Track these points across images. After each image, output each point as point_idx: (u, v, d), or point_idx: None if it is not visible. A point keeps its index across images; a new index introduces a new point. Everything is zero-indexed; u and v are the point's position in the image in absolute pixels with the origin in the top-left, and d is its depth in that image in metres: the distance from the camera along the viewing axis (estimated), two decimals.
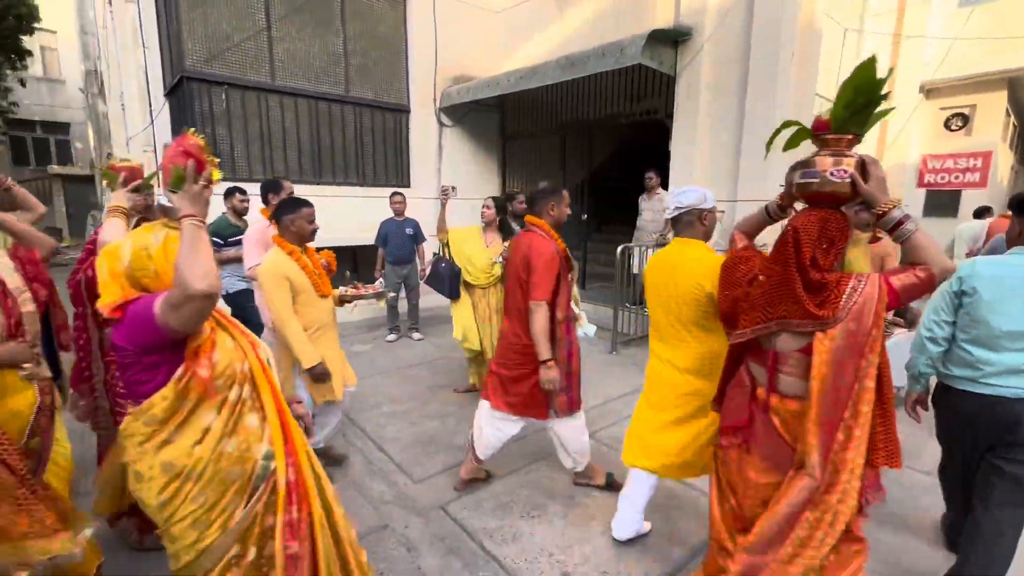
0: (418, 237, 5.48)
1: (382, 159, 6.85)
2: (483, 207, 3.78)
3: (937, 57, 8.52)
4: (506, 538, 2.35)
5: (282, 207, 2.56)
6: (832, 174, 1.37)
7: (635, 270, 5.61)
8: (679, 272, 1.99)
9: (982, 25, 8.26)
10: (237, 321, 1.51)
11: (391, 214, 5.43)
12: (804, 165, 1.44)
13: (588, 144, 7.66)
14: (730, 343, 1.65)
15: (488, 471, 2.82)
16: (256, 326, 2.93)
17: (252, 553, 1.36)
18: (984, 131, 9.07)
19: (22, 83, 13.63)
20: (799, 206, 1.60)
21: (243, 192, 4.11)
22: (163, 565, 2.05)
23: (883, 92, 1.32)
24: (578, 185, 7.63)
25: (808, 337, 1.41)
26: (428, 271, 3.96)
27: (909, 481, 2.75)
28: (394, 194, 5.43)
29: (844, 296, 1.35)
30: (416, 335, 5.72)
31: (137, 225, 2.10)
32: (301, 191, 3.43)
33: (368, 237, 5.50)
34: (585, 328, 3.09)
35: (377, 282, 3.32)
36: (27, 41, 12.81)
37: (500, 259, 3.64)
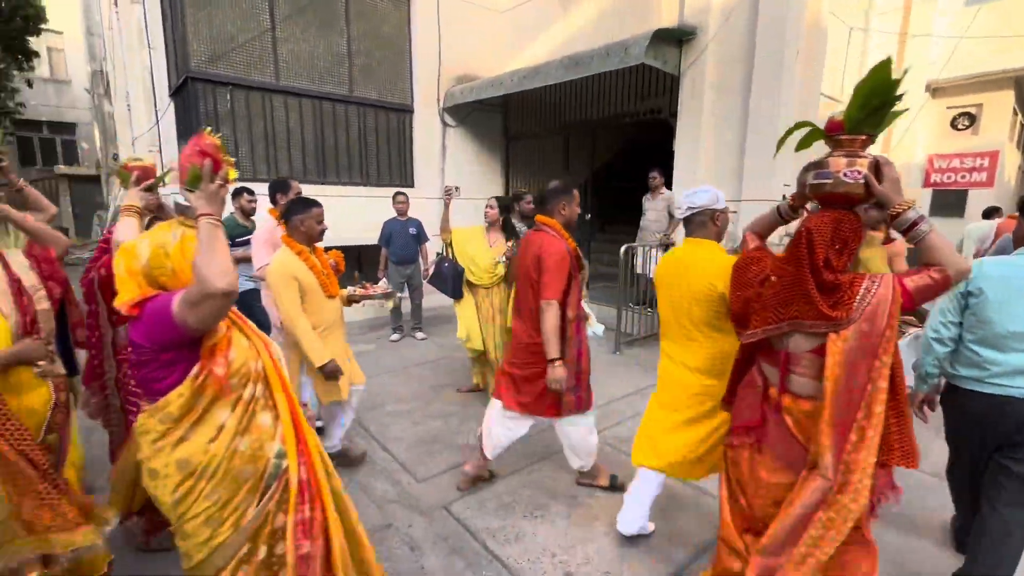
0: (421, 237, 5.49)
1: (386, 159, 6.86)
2: (486, 207, 3.78)
3: (943, 56, 8.47)
4: (509, 538, 2.35)
5: (292, 207, 2.57)
6: (846, 175, 1.36)
7: (638, 270, 5.59)
8: (692, 272, 1.99)
9: (989, 24, 8.20)
10: (250, 321, 1.52)
11: (394, 214, 5.44)
12: (817, 166, 1.44)
13: (592, 144, 7.66)
14: (741, 343, 1.65)
15: (491, 471, 2.82)
16: (264, 326, 2.94)
17: (263, 552, 1.36)
18: (991, 130, 9.00)
19: (29, 84, 13.75)
20: (811, 206, 1.60)
21: (251, 192, 4.12)
22: (170, 565, 2.07)
23: (898, 93, 1.32)
24: (581, 185, 7.63)
25: (821, 338, 1.40)
26: (431, 271, 3.96)
27: (916, 482, 2.73)
28: (397, 194, 5.44)
29: (858, 297, 1.34)
30: (420, 335, 5.72)
31: (150, 224, 2.12)
32: (305, 191, 3.44)
33: (372, 237, 5.51)
34: (594, 327, 3.09)
35: (381, 282, 3.33)
36: (34, 42, 12.92)
37: (503, 259, 3.64)
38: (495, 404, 2.61)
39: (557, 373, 2.29)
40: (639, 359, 4.97)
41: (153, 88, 5.68)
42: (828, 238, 1.39)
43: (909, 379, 2.02)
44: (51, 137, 17.78)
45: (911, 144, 9.52)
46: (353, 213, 6.14)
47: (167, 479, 1.28)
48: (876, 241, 2.60)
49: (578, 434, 2.56)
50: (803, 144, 1.54)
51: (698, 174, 5.35)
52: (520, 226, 3.91)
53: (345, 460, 2.91)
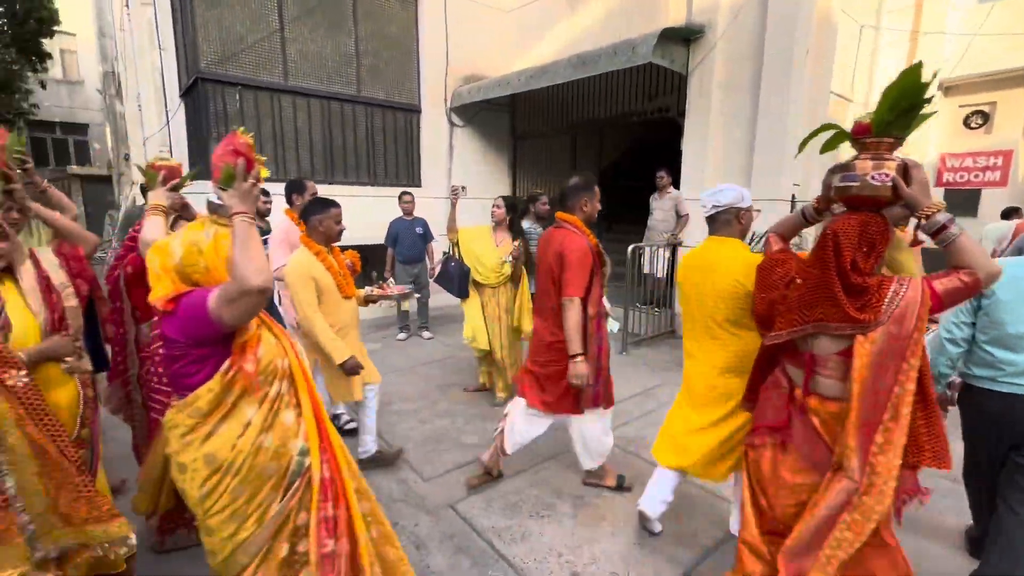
0: (427, 236, 5.50)
1: (393, 159, 6.89)
2: (493, 206, 3.78)
3: (956, 53, 8.35)
4: (515, 537, 2.35)
5: (310, 207, 2.59)
6: (873, 178, 1.36)
7: (645, 269, 5.58)
8: (717, 270, 1.99)
9: (1003, 21, 8.07)
10: (275, 320, 1.54)
11: (400, 214, 5.45)
12: (843, 168, 1.43)
13: (599, 143, 7.64)
14: (765, 344, 1.65)
15: (500, 471, 2.82)
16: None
17: (284, 550, 1.37)
18: (1005, 129, 8.86)
19: (43, 85, 13.94)
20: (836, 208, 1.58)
21: (266, 194, 4.14)
22: (184, 565, 2.10)
23: (927, 96, 1.31)
24: None
25: (847, 340, 1.40)
26: (438, 270, 3.97)
27: (930, 484, 2.69)
28: (403, 194, 5.45)
29: (886, 300, 1.34)
30: (426, 334, 5.74)
31: (175, 223, 2.16)
32: None
33: (379, 237, 5.53)
34: (610, 325, 3.09)
35: (388, 282, 3.34)
36: (47, 44, 13.10)
37: (510, 258, 3.64)
38: (518, 402, 2.61)
39: (579, 369, 2.28)
40: (646, 359, 4.95)
41: (164, 89, 5.74)
42: (855, 241, 1.38)
43: None
44: (64, 138, 18.00)
45: (923, 143, 9.40)
46: (360, 213, 6.15)
47: (195, 473, 1.31)
48: (905, 244, 2.58)
49: (594, 433, 2.55)
50: (828, 146, 1.54)
51: (706, 173, 5.32)
52: (535, 227, 3.89)
53: (383, 461, 2.92)
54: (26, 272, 1.71)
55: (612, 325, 3.14)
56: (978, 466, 2.06)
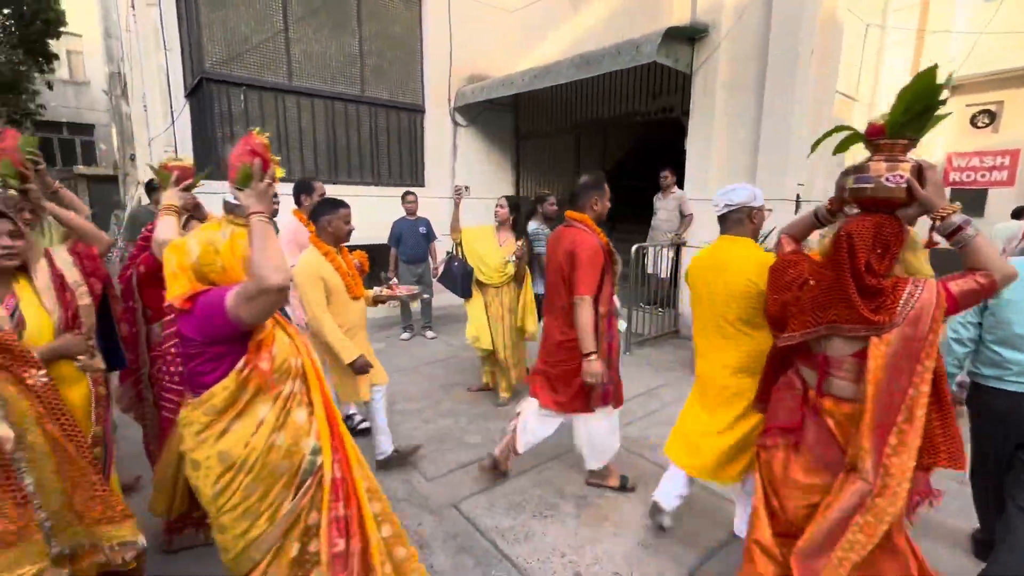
0: (430, 236, 5.51)
1: (397, 159, 6.90)
2: (496, 206, 3.78)
3: (963, 52, 8.29)
4: (518, 537, 2.35)
5: (320, 208, 2.61)
6: (887, 179, 1.36)
7: (649, 269, 5.57)
8: (729, 269, 1.99)
9: (1010, 19, 8.01)
10: (287, 320, 1.55)
11: (404, 214, 5.46)
12: (857, 170, 1.43)
13: (603, 143, 7.63)
14: (776, 346, 1.65)
15: (507, 469, 2.81)
16: None
17: (295, 549, 1.38)
18: (1012, 128, 8.80)
19: (49, 86, 14.02)
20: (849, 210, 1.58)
21: (274, 194, 4.15)
22: (192, 565, 2.11)
23: (942, 98, 1.31)
24: None
25: (862, 342, 1.40)
26: (441, 270, 3.98)
27: (937, 486, 2.68)
28: (406, 194, 5.46)
29: (901, 301, 1.34)
30: (429, 333, 5.75)
31: (187, 223, 2.17)
32: None
33: (383, 236, 5.54)
34: (619, 323, 3.10)
35: (392, 282, 3.34)
36: (54, 45, 13.18)
37: (513, 258, 3.64)
38: (531, 402, 2.62)
39: (593, 368, 2.28)
40: (650, 359, 4.94)
41: (169, 89, 5.77)
42: (869, 242, 1.38)
43: None
44: (70, 138, 18.12)
45: (929, 142, 9.34)
46: (364, 213, 6.12)
47: (209, 471, 1.32)
48: (917, 244, 2.57)
49: (601, 432, 2.55)
50: (840, 148, 1.54)
51: (710, 173, 5.31)
52: (543, 227, 3.88)
53: (402, 459, 2.94)
54: (41, 271, 1.73)
55: (620, 324, 3.14)
56: (985, 465, 2.06)
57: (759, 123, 4.87)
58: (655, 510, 2.33)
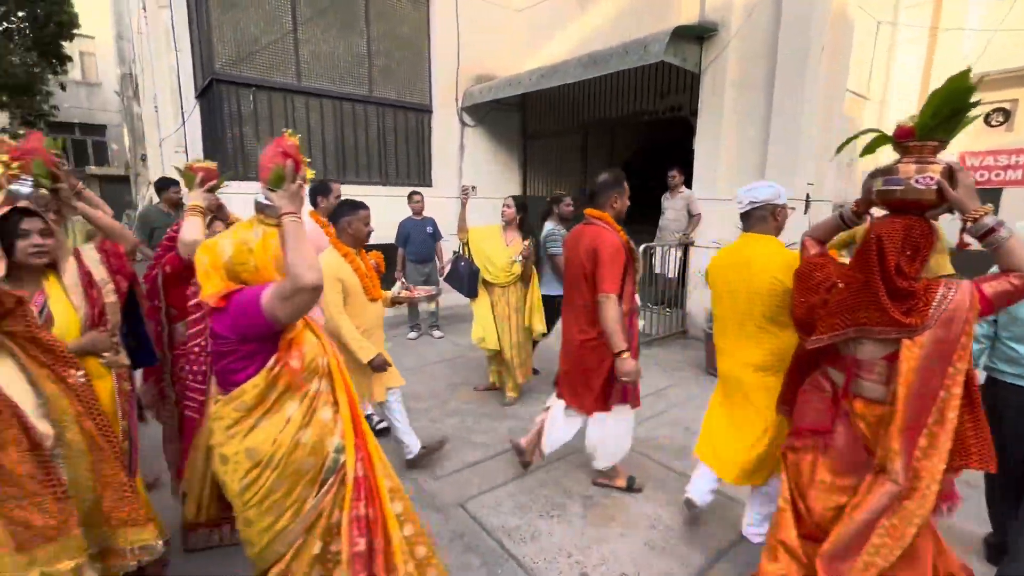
0: (436, 235, 5.52)
1: (404, 159, 6.92)
2: (503, 206, 3.78)
3: (976, 50, 8.18)
4: (525, 537, 2.35)
5: (340, 209, 2.62)
6: (917, 181, 1.35)
7: (656, 269, 5.55)
8: (753, 267, 1.98)
9: None
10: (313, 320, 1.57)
11: (410, 213, 5.47)
12: (886, 172, 1.42)
13: (610, 142, 7.61)
14: (804, 348, 1.65)
15: (529, 461, 2.78)
16: None
17: (317, 546, 1.40)
18: None
19: (62, 87, 14.21)
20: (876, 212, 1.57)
21: None
22: (207, 564, 2.13)
23: (973, 100, 1.30)
24: None
25: (893, 344, 1.40)
26: (447, 269, 3.98)
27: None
28: (413, 193, 5.47)
29: (934, 303, 1.33)
30: (436, 333, 5.76)
31: (210, 223, 2.21)
32: None
33: (390, 236, 5.56)
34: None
35: (398, 283, 3.35)
36: (67, 47, 13.37)
37: (520, 258, 3.63)
38: (558, 403, 2.62)
39: (627, 366, 2.25)
40: (657, 359, 4.92)
41: (179, 90, 5.83)
42: (899, 244, 1.37)
43: None
44: (83, 139, 18.36)
45: None
46: (373, 213, 6.19)
47: (237, 466, 1.34)
48: (943, 247, 2.56)
49: (616, 433, 2.55)
50: (868, 150, 1.53)
51: (719, 172, 5.28)
52: (559, 228, 3.86)
53: (430, 454, 2.95)
54: (69, 268, 1.76)
55: (639, 323, 3.14)
56: (1001, 463, 2.05)
57: (768, 122, 4.83)
58: (689, 505, 2.34)
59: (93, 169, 17.51)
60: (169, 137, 6.26)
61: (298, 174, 1.37)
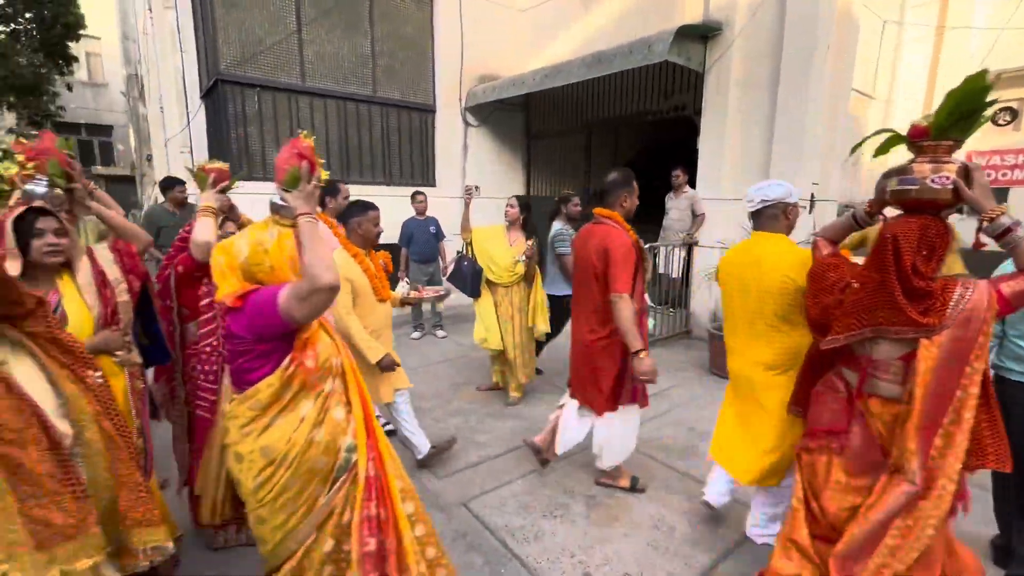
0: (439, 235, 5.52)
1: (408, 159, 6.93)
2: (507, 206, 3.78)
3: (983, 49, 8.13)
4: (528, 537, 2.35)
5: (350, 209, 2.63)
6: (933, 181, 1.35)
7: (660, 269, 5.53)
8: (765, 265, 1.97)
9: None
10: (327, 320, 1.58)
11: (413, 213, 5.48)
12: (900, 172, 1.42)
13: (614, 142, 7.59)
14: (819, 348, 1.64)
15: (546, 458, 2.77)
16: None
17: (328, 544, 1.40)
18: None
19: (69, 88, 14.31)
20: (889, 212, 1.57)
21: None
22: (217, 564, 2.13)
23: (989, 100, 1.31)
24: None
25: (910, 344, 1.39)
26: (450, 269, 3.98)
27: None
28: (416, 193, 5.48)
29: (951, 303, 1.33)
30: (440, 333, 5.76)
31: (222, 224, 2.22)
32: None
33: (395, 236, 5.57)
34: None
35: (401, 283, 3.36)
36: (73, 47, 13.45)
37: (523, 258, 3.63)
38: (571, 404, 2.62)
39: (644, 365, 2.21)
40: (660, 359, 4.87)
41: (185, 90, 5.84)
42: (915, 244, 1.37)
43: None
44: (89, 139, 18.45)
45: None
46: None
47: (252, 464, 1.35)
48: (955, 246, 2.55)
49: (621, 432, 2.54)
50: (881, 150, 1.53)
51: (723, 172, 5.26)
52: (567, 228, 3.85)
53: (440, 453, 2.96)
54: (83, 267, 1.78)
55: (648, 322, 3.14)
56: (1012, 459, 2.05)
57: (773, 121, 4.81)
58: (707, 507, 2.35)
59: (99, 169, 17.59)
60: (174, 137, 6.28)
61: (313, 175, 1.38)
